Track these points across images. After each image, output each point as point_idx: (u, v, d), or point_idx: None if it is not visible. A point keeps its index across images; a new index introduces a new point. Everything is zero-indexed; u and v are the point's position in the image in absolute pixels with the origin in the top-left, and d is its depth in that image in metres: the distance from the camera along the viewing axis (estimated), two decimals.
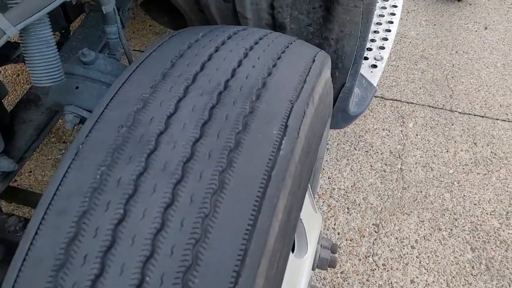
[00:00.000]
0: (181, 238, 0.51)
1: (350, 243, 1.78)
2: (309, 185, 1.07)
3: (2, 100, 1.23)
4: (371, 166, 2.02)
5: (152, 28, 2.75)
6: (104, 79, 0.94)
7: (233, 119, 0.60)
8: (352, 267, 1.70)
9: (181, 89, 0.63)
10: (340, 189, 1.95)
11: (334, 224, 1.84)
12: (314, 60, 0.76)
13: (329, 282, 1.67)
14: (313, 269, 0.95)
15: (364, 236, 1.80)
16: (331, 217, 1.86)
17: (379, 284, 1.65)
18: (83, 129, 0.62)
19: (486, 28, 2.70)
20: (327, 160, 2.07)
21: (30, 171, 1.99)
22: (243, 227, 0.53)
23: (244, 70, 0.67)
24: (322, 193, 1.95)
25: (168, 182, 0.55)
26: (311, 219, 0.96)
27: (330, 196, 1.93)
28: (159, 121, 0.59)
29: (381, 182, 1.96)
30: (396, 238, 1.78)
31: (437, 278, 1.65)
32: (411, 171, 1.99)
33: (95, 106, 0.64)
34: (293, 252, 0.91)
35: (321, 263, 0.94)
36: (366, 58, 1.75)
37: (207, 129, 0.59)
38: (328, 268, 0.99)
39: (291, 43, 0.79)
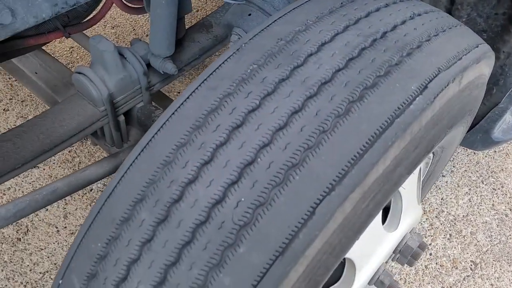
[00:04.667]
0: (297, 139, 0.58)
1: (439, 268, 1.70)
2: (421, 177, 1.06)
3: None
4: (493, 205, 1.88)
5: None
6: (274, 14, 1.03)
7: (378, 63, 0.64)
8: None
9: (342, 25, 0.69)
10: (449, 214, 1.85)
11: (430, 244, 1.77)
12: (477, 46, 0.76)
13: None
14: (394, 252, 0.95)
15: (456, 268, 1.70)
16: (429, 236, 1.79)
17: None
18: (249, 34, 0.72)
19: None
20: (447, 182, 1.96)
21: None
22: (352, 152, 0.58)
23: (405, 28, 0.70)
24: (429, 210, 1.87)
25: (303, 93, 0.61)
26: (411, 205, 0.96)
27: (436, 216, 1.85)
28: (313, 44, 0.66)
29: (497, 225, 1.82)
30: (491, 285, 1.65)
31: None
32: None
33: (265, 20, 0.73)
34: (383, 223, 0.92)
35: (404, 250, 0.94)
36: None
37: (351, 64, 0.64)
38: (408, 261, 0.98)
39: (459, 25, 0.79)
